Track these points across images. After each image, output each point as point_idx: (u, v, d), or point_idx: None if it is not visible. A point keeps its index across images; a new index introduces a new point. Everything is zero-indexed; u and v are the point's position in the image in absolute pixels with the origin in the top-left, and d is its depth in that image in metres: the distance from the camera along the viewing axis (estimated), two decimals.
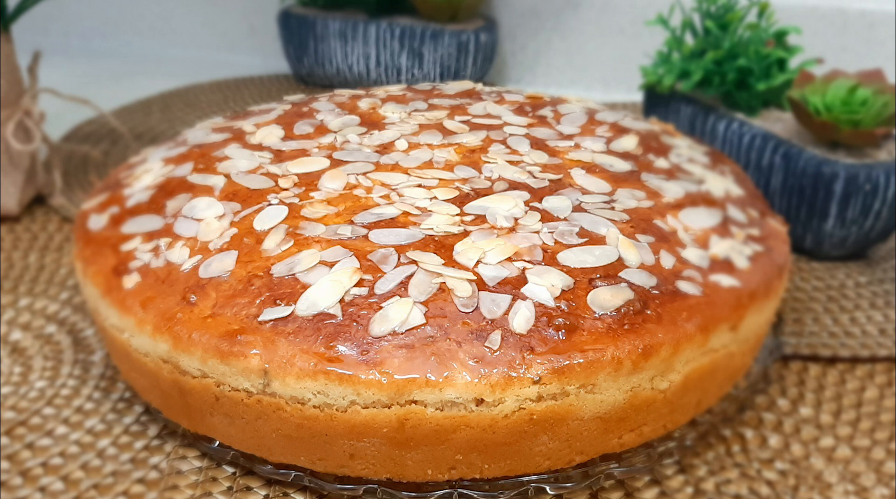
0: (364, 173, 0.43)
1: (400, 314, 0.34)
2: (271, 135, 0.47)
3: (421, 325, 0.34)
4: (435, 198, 0.41)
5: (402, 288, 0.35)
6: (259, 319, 0.35)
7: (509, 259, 0.37)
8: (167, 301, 0.38)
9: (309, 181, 0.42)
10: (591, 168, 0.44)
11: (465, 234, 0.38)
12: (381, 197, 0.41)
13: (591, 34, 0.94)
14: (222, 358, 0.35)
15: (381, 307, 0.35)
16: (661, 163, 0.46)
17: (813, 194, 0.55)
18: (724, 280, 0.39)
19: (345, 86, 0.80)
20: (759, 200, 0.48)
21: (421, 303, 0.35)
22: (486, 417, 0.34)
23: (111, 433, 0.42)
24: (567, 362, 0.34)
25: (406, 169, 0.43)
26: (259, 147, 0.46)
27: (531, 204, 0.40)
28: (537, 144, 0.46)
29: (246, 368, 0.35)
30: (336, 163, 0.44)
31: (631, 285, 0.37)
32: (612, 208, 0.41)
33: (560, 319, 0.35)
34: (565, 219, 0.39)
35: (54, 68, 0.88)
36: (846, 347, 0.49)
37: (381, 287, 0.35)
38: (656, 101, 0.67)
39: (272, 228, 0.39)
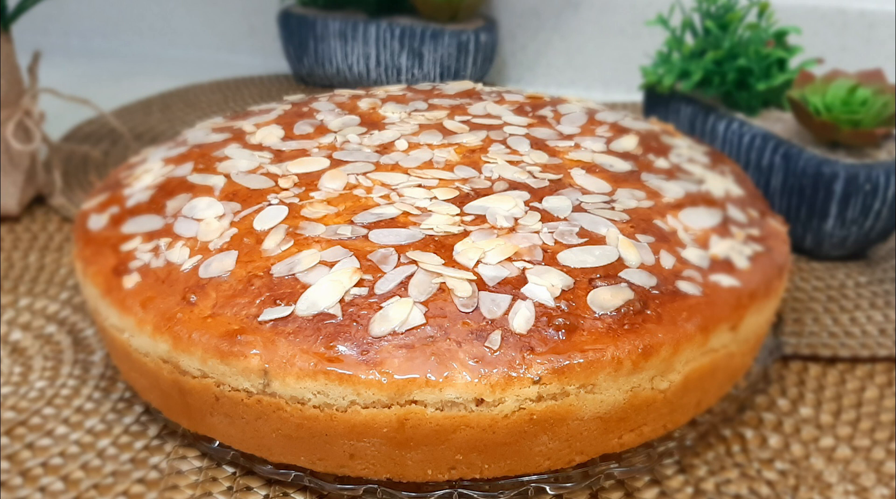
0: (364, 173, 0.43)
1: (400, 314, 0.35)
2: (271, 135, 0.47)
3: (421, 325, 0.34)
4: (435, 198, 0.41)
5: (402, 288, 0.35)
6: (259, 319, 0.35)
7: (509, 259, 0.37)
8: (167, 301, 0.38)
9: (309, 181, 0.42)
10: (591, 168, 0.44)
11: (465, 234, 0.38)
12: (381, 197, 0.41)
13: (591, 34, 0.94)
14: (222, 358, 0.35)
15: (381, 307, 0.35)
16: (661, 163, 0.46)
17: (813, 194, 0.55)
18: (724, 280, 0.39)
19: (345, 86, 0.80)
20: (759, 200, 0.48)
21: (421, 303, 0.35)
22: (486, 417, 0.34)
23: (111, 433, 0.42)
24: (567, 362, 0.34)
25: (406, 169, 0.43)
26: (259, 147, 0.46)
27: (531, 204, 0.40)
28: (537, 144, 0.46)
29: (246, 369, 0.35)
30: (336, 163, 0.44)
31: (631, 285, 0.37)
32: (612, 208, 0.41)
33: (560, 319, 0.35)
34: (565, 219, 0.39)
35: (54, 68, 0.88)
36: (846, 347, 0.49)
37: (381, 287, 0.35)
38: (656, 101, 0.67)
39: (272, 228, 0.39)
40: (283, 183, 0.42)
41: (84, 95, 0.67)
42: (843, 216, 0.55)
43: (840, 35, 0.86)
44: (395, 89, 0.55)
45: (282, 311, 0.35)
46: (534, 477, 0.37)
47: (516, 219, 0.39)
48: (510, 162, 0.44)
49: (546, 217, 0.39)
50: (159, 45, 1.10)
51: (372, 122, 0.49)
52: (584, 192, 0.42)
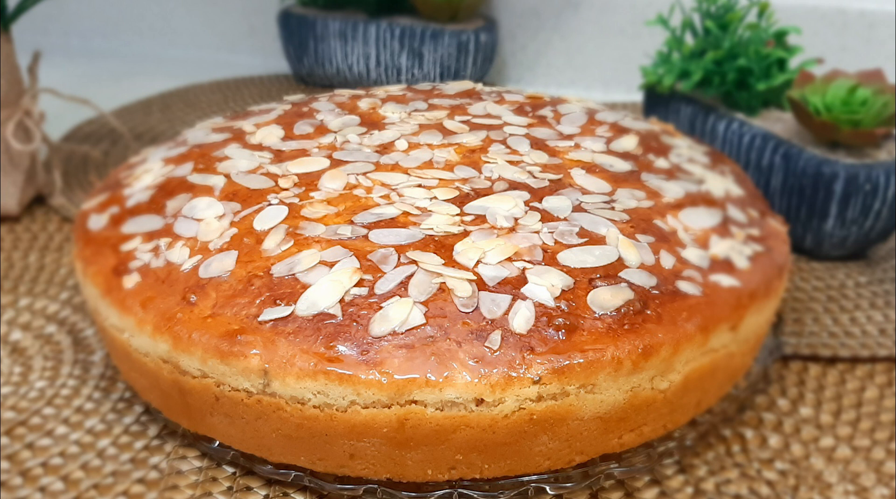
0: (364, 173, 0.43)
1: (400, 314, 0.35)
2: (271, 135, 0.47)
3: (421, 325, 0.34)
4: (435, 198, 0.41)
5: (402, 288, 0.35)
6: (259, 319, 0.35)
7: (509, 259, 0.37)
8: (167, 301, 0.38)
9: (309, 181, 0.42)
10: (591, 168, 0.44)
11: (465, 234, 0.38)
12: (381, 197, 0.41)
13: (591, 34, 0.94)
14: (222, 358, 0.35)
15: (381, 307, 0.35)
16: (661, 163, 0.46)
17: (813, 194, 0.55)
18: (724, 280, 0.39)
19: (345, 86, 0.80)
20: (759, 200, 0.48)
21: (421, 303, 0.35)
22: (486, 417, 0.34)
23: (111, 433, 0.42)
24: (567, 362, 0.34)
25: (406, 169, 0.43)
26: (259, 147, 0.46)
27: (531, 204, 0.40)
28: (537, 144, 0.46)
29: (246, 369, 0.35)
30: (336, 163, 0.44)
31: (631, 285, 0.37)
32: (612, 208, 0.41)
33: (560, 319, 0.35)
34: (565, 219, 0.40)
35: (54, 68, 0.88)
36: (846, 347, 0.49)
37: (381, 287, 0.35)
38: (656, 101, 0.67)
39: (272, 228, 0.39)
40: (283, 183, 0.42)
41: (84, 95, 0.67)
42: (843, 216, 0.55)
43: (840, 35, 0.86)
44: (395, 89, 0.55)
45: (282, 311, 0.35)
46: (534, 477, 0.37)
47: (516, 219, 0.39)
48: (510, 162, 0.44)
49: (546, 217, 0.39)
50: (159, 45, 1.10)
51: (372, 122, 0.49)
52: (584, 192, 0.42)
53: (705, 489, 0.39)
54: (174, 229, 0.41)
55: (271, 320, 0.35)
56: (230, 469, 0.40)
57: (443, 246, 0.37)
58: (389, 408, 0.34)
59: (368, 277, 0.36)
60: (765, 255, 0.42)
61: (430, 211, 0.39)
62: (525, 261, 0.37)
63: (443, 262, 0.37)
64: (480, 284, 0.36)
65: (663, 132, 0.51)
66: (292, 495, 0.38)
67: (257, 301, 0.36)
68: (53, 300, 0.53)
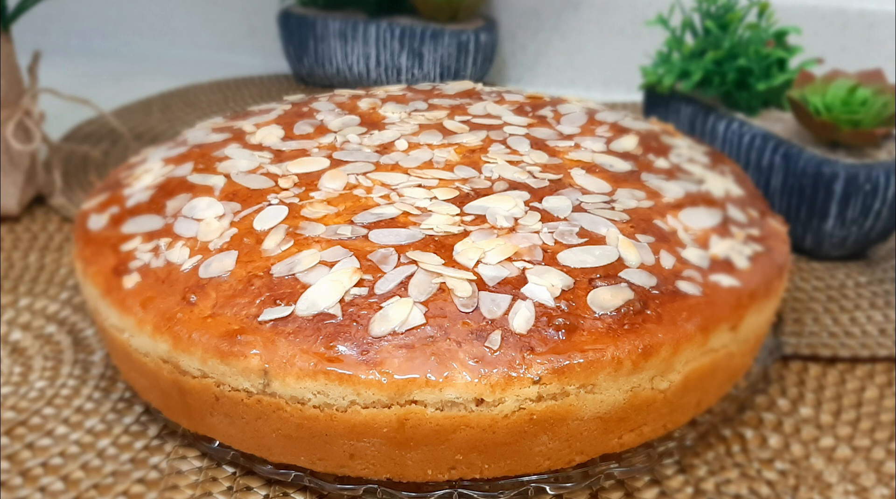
0: (364, 173, 0.43)
1: (400, 314, 0.35)
2: (271, 135, 0.47)
3: (421, 325, 0.34)
4: (435, 198, 0.41)
5: (402, 288, 0.35)
6: (259, 319, 0.35)
7: (509, 259, 0.37)
8: (167, 301, 0.38)
9: (309, 181, 0.42)
10: (591, 168, 0.44)
11: (465, 234, 0.38)
12: (381, 197, 0.41)
13: (591, 34, 0.94)
14: (222, 358, 0.35)
15: (381, 307, 0.35)
16: (661, 163, 0.46)
17: (813, 194, 0.55)
18: (724, 280, 0.39)
19: (345, 86, 0.80)
20: (759, 200, 0.48)
21: (421, 303, 0.35)
22: (486, 417, 0.34)
23: (111, 433, 0.42)
24: (567, 362, 0.34)
25: (406, 169, 0.43)
26: (259, 147, 0.46)
27: (531, 204, 0.40)
28: (537, 144, 0.46)
29: (246, 369, 0.35)
30: (336, 163, 0.44)
31: (631, 285, 0.37)
32: (612, 208, 0.41)
33: (560, 319, 0.35)
34: (565, 219, 0.40)
35: (54, 68, 0.88)
36: (846, 347, 0.49)
37: (381, 287, 0.35)
38: (656, 101, 0.67)
39: (272, 228, 0.39)
40: (283, 183, 0.42)
41: (84, 95, 0.67)
42: (843, 216, 0.55)
43: (840, 35, 0.86)
44: (395, 89, 0.55)
45: (282, 311, 0.35)
46: (534, 477, 0.37)
47: (516, 219, 0.39)
48: (510, 162, 0.44)
49: (546, 217, 0.39)
50: (159, 45, 1.10)
51: (372, 122, 0.49)
52: (584, 192, 0.42)
53: (705, 489, 0.39)
54: (174, 229, 0.41)
55: (271, 320, 0.35)
56: (230, 469, 0.40)
57: (443, 246, 0.37)
58: (389, 408, 0.34)
59: (368, 277, 0.36)
60: (765, 255, 0.42)
61: (430, 211, 0.39)
62: (525, 261, 0.37)
63: (443, 262, 0.37)
64: (480, 284, 0.36)
65: (663, 132, 0.51)
66: (292, 495, 0.38)
67: (257, 301, 0.36)
68: (53, 300, 0.53)
